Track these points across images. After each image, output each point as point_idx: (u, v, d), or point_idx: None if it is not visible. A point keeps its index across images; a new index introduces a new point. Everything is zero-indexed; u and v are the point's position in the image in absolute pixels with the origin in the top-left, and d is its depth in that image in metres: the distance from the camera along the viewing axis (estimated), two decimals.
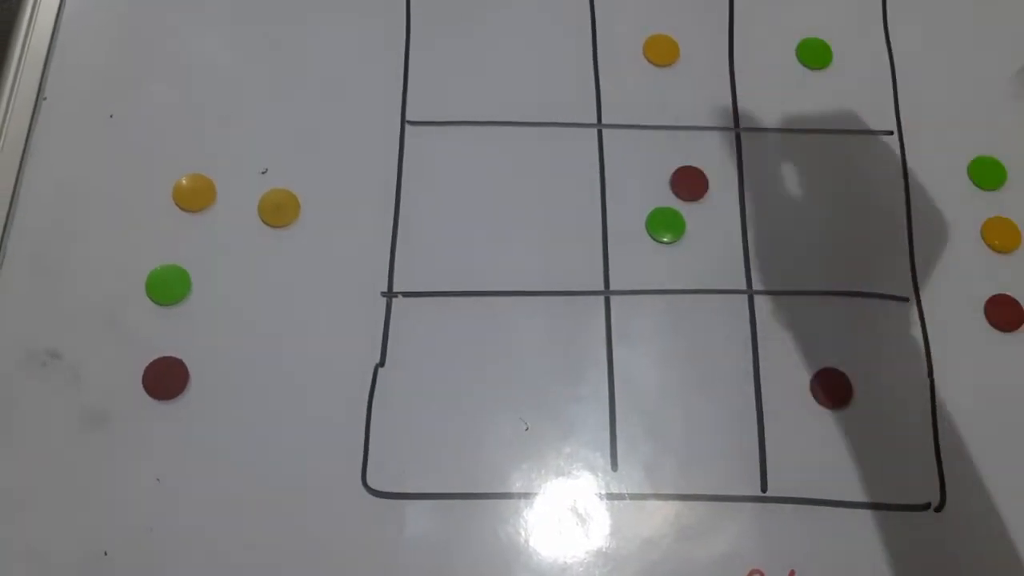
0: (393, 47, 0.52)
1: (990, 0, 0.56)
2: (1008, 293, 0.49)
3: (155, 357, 0.44)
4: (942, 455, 0.45)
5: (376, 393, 0.44)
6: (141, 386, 0.43)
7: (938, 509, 0.44)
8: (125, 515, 0.41)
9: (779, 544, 0.43)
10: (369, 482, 0.43)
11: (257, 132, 0.49)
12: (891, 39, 0.54)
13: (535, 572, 0.42)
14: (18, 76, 0.49)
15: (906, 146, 0.52)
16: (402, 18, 0.53)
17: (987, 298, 0.48)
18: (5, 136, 0.47)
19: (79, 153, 0.48)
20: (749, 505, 0.44)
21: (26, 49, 0.49)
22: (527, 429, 0.44)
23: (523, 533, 0.42)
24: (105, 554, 0.40)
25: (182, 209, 0.47)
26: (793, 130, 0.52)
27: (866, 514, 0.44)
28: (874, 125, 0.52)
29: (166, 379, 0.43)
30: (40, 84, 0.49)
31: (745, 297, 0.48)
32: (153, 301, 0.45)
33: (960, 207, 0.51)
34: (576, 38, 0.53)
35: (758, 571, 0.42)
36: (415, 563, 0.41)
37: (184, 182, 0.47)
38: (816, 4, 0.55)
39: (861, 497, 0.44)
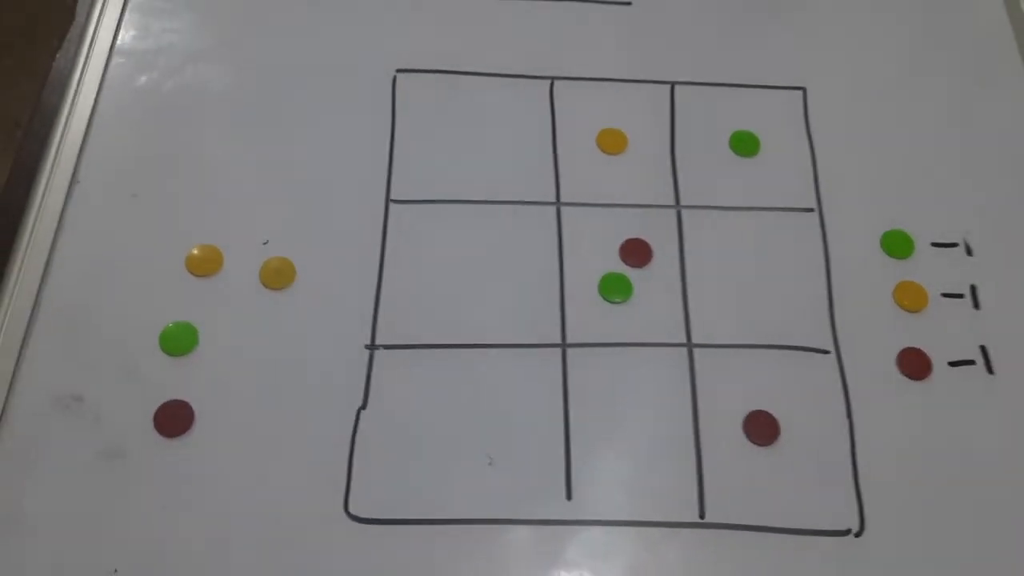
0: (379, 137, 0.60)
1: (897, 96, 0.64)
2: (917, 346, 0.55)
3: (165, 400, 0.50)
4: (861, 487, 0.51)
5: (358, 433, 0.50)
6: (152, 426, 0.49)
7: (858, 535, 0.49)
8: (135, 537, 0.47)
9: (716, 565, 0.48)
10: (351, 510, 0.48)
11: (260, 209, 0.56)
12: (811, 130, 0.63)
13: None
14: (56, 163, 0.56)
15: (825, 221, 0.59)
16: (388, 113, 0.61)
17: (899, 350, 0.55)
18: (43, 212, 0.55)
19: (105, 227, 0.55)
20: (689, 530, 0.49)
21: (64, 140, 0.57)
22: (491, 463, 0.50)
23: (487, 555, 0.48)
24: (115, 571, 0.46)
25: (193, 275, 0.54)
26: (727, 207, 0.59)
27: (794, 539, 0.49)
28: (797, 204, 0.60)
29: (174, 419, 0.49)
30: (75, 169, 0.56)
31: (685, 350, 0.54)
32: (165, 352, 0.51)
33: (874, 273, 0.58)
34: (538, 130, 0.61)
35: None
36: None
37: (196, 252, 0.55)
38: (746, 101, 0.63)
39: (789, 524, 0.49)
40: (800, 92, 0.64)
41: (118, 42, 0.62)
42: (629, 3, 0.67)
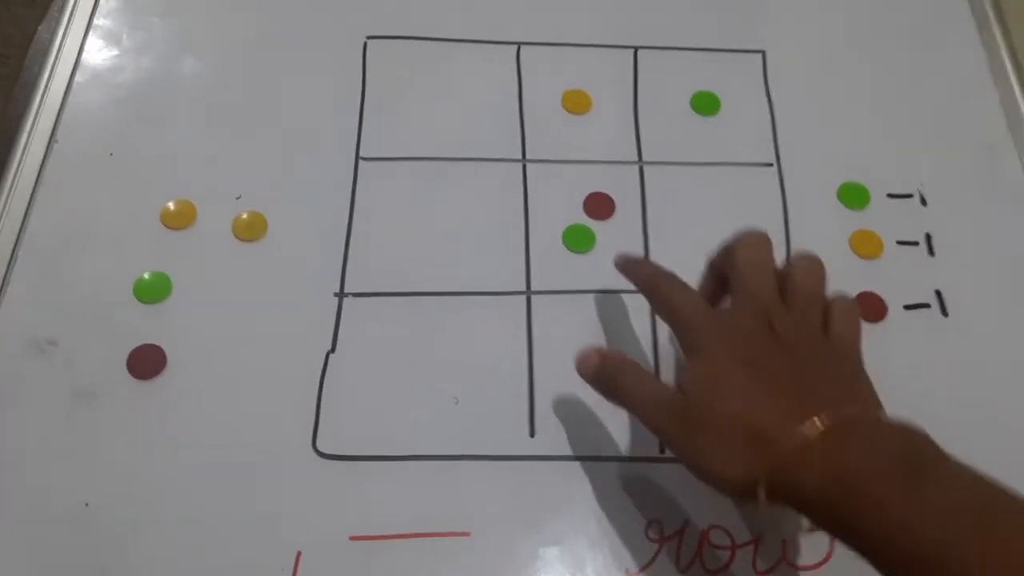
0: (350, 99, 0.62)
1: (852, 57, 0.66)
2: (873, 291, 0.57)
3: (138, 344, 0.51)
4: None
5: (327, 375, 0.52)
6: (125, 368, 0.51)
7: None
8: (108, 475, 0.48)
9: (676, 498, 0.49)
10: (319, 447, 0.49)
11: (233, 166, 0.58)
12: (770, 90, 0.65)
13: (465, 523, 0.48)
14: (35, 123, 0.58)
15: (784, 175, 0.61)
16: (359, 77, 0.63)
17: (855, 294, 0.57)
18: (21, 170, 0.56)
19: (82, 184, 0.57)
20: (649, 465, 0.50)
21: (43, 102, 0.59)
22: (457, 403, 0.51)
23: (454, 490, 0.49)
24: (86, 505, 0.47)
25: (168, 228, 0.56)
26: (687, 163, 0.61)
27: None
28: (756, 159, 0.62)
29: (147, 362, 0.51)
30: (53, 129, 0.58)
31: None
32: (139, 300, 0.53)
33: (831, 223, 0.59)
34: (505, 92, 0.63)
35: (656, 520, 0.49)
36: (359, 515, 0.48)
37: (170, 206, 0.56)
38: (708, 65, 0.65)
39: None
40: (759, 55, 0.66)
41: (97, 12, 0.64)
42: None
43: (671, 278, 0.46)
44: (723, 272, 0.47)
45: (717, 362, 0.41)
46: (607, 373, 0.45)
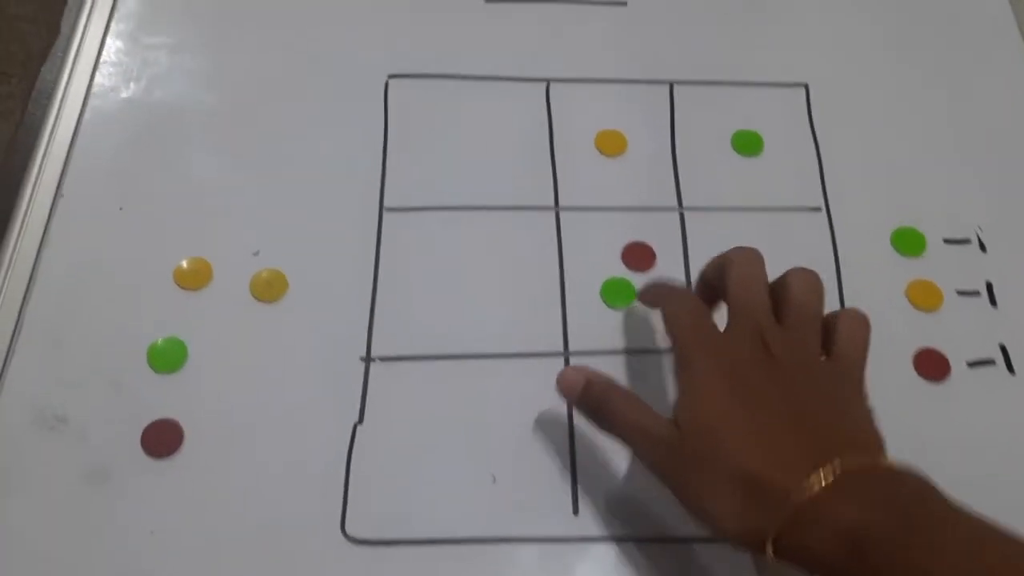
0: (372, 143, 0.58)
1: (903, 89, 0.63)
2: (934, 347, 0.53)
3: (153, 419, 0.48)
4: None
5: (355, 449, 0.48)
6: (139, 446, 0.47)
7: None
8: (121, 563, 0.44)
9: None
10: (348, 530, 0.46)
11: (250, 219, 0.55)
12: (815, 127, 0.61)
13: None
14: (40, 176, 0.55)
15: (833, 220, 0.58)
16: (380, 119, 0.59)
17: (915, 351, 0.53)
18: (26, 226, 0.53)
19: (91, 240, 0.53)
20: (700, 545, 0.47)
21: (48, 153, 0.56)
22: (495, 480, 0.48)
23: (493, 575, 0.45)
24: None
25: (182, 288, 0.52)
26: (731, 208, 0.58)
27: None
28: (803, 203, 0.58)
29: (162, 439, 0.47)
30: (59, 182, 0.55)
31: None
32: (153, 369, 0.50)
33: (885, 272, 0.56)
34: (535, 133, 0.60)
35: None
36: None
37: (184, 264, 0.53)
38: (748, 100, 0.62)
39: None
40: (802, 88, 0.63)
41: (103, 55, 0.61)
42: (624, 3, 0.66)
43: (676, 291, 0.47)
44: (714, 284, 0.46)
45: (713, 394, 0.40)
46: (594, 396, 0.43)
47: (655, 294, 0.48)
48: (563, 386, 0.45)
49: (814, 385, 0.41)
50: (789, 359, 0.41)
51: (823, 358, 0.43)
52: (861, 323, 0.44)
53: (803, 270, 0.45)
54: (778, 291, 0.44)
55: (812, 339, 0.43)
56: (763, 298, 0.43)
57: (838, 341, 0.43)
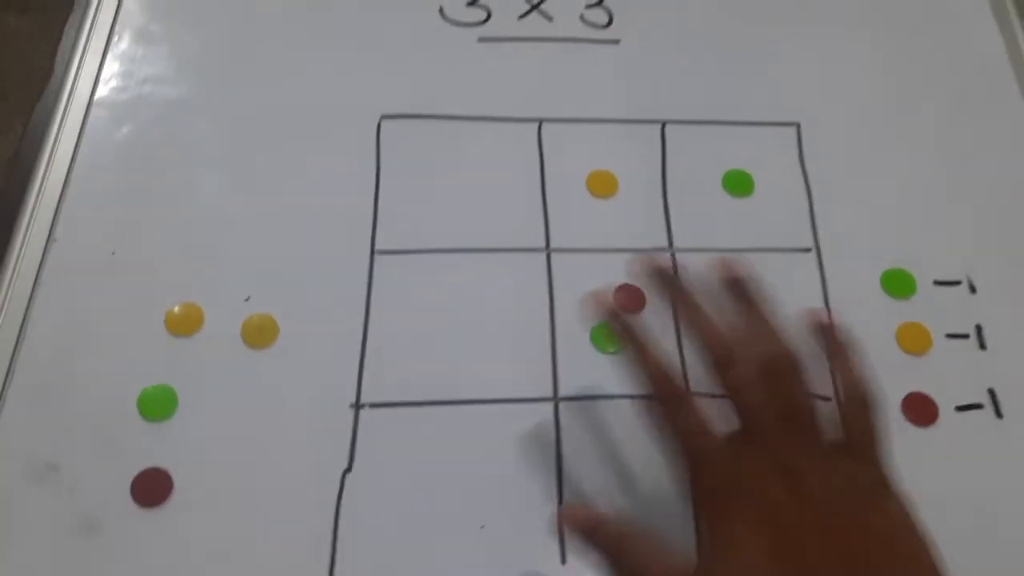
0: (364, 186, 0.58)
1: (893, 129, 0.63)
2: (923, 391, 0.53)
3: (142, 468, 0.48)
4: None
5: (343, 498, 0.48)
6: (130, 495, 0.48)
7: None
8: None
9: None
10: None
11: (241, 265, 0.55)
12: (806, 167, 0.61)
13: None
14: (32, 220, 0.55)
15: (824, 261, 0.58)
16: (372, 160, 0.59)
17: (904, 396, 0.53)
18: (18, 272, 0.53)
19: (83, 286, 0.54)
20: None
21: (41, 196, 0.56)
22: (483, 528, 0.48)
23: None
24: None
25: (173, 334, 0.52)
26: (722, 249, 0.58)
27: None
28: (793, 244, 0.58)
29: (152, 488, 0.48)
30: (51, 226, 0.55)
31: None
32: (143, 418, 0.50)
33: (876, 314, 0.56)
34: (527, 174, 0.60)
35: None
36: None
37: (176, 310, 0.53)
38: (739, 139, 0.62)
39: None
40: (794, 128, 0.63)
41: (97, 94, 0.61)
42: (617, 42, 0.66)
43: (679, 399, 0.42)
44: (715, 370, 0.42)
45: (750, 553, 0.36)
46: (608, 543, 0.39)
47: (634, 341, 0.44)
48: (569, 525, 0.41)
49: (848, 516, 0.37)
50: (818, 493, 0.38)
51: (841, 451, 0.40)
52: (866, 401, 0.42)
53: (780, 355, 0.42)
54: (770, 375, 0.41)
55: (820, 438, 0.40)
56: (770, 411, 0.40)
57: (853, 435, 0.40)
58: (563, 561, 0.48)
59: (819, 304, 0.56)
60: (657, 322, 0.54)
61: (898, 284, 0.57)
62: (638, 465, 0.50)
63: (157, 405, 0.50)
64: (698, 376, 0.52)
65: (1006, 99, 0.65)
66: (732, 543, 0.37)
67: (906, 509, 0.39)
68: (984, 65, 0.66)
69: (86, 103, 0.60)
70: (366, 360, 0.53)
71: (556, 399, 0.52)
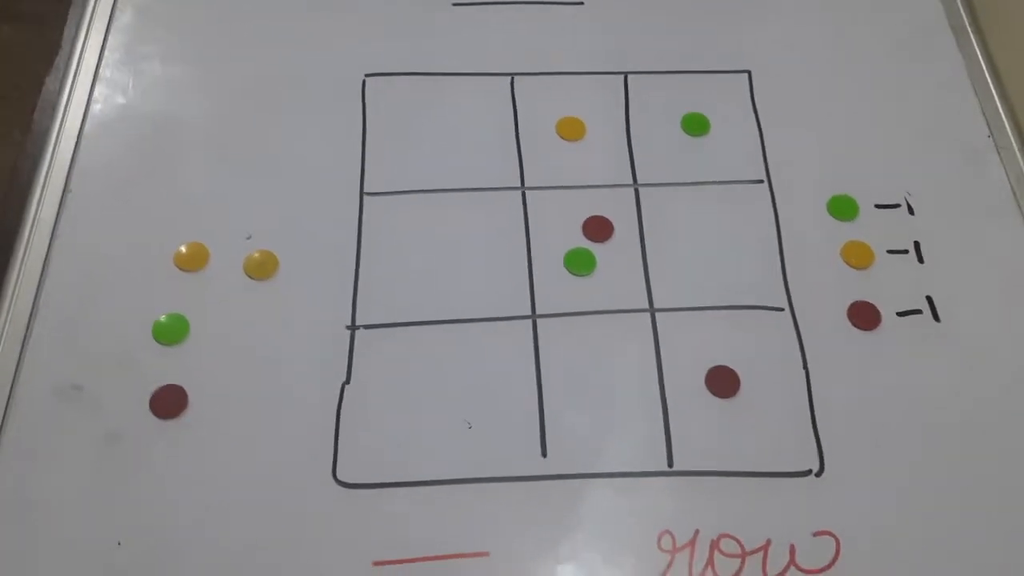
0: (352, 136, 0.64)
1: (836, 72, 0.69)
2: (866, 300, 0.59)
3: (160, 385, 0.53)
4: (819, 432, 0.54)
5: (343, 406, 0.53)
6: (148, 409, 0.52)
7: (818, 474, 0.52)
8: (136, 513, 0.49)
9: (685, 510, 0.51)
10: (339, 476, 0.51)
11: (242, 207, 0.60)
12: (757, 109, 0.67)
13: (483, 544, 0.50)
14: (49, 175, 0.60)
15: (775, 191, 0.63)
16: (359, 114, 0.65)
17: (849, 304, 0.58)
18: (38, 220, 0.58)
19: (97, 231, 0.59)
20: (658, 479, 0.52)
21: (55, 153, 0.61)
22: (470, 427, 0.53)
23: (470, 512, 0.51)
24: (119, 544, 0.48)
25: (182, 270, 0.57)
26: (681, 184, 0.63)
27: (757, 481, 0.52)
28: (747, 177, 0.64)
29: (169, 403, 0.53)
30: (66, 180, 0.60)
31: (648, 315, 0.58)
32: (158, 342, 0.55)
33: (822, 235, 0.61)
34: (501, 122, 0.65)
35: (668, 531, 0.50)
36: (380, 541, 0.49)
37: (183, 249, 0.58)
38: (695, 87, 0.68)
39: (752, 468, 0.52)
40: (746, 75, 0.68)
41: (102, 65, 0.66)
42: (581, 3, 0.71)
43: None
44: None
45: None
46: None
47: None
48: None
49: None
50: None
51: None
52: None
53: None
54: None
55: None
56: None
57: None
58: (544, 455, 0.53)
59: (771, 229, 0.61)
60: (625, 249, 0.60)
61: (843, 208, 0.62)
62: (606, 373, 0.55)
63: (171, 331, 0.55)
64: (663, 299, 0.58)
65: (937, 36, 0.71)
66: None
67: None
68: (921, 11, 0.72)
69: (93, 70, 0.65)
70: (359, 288, 0.58)
71: (534, 316, 0.57)
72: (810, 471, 0.53)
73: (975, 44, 0.70)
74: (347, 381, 0.54)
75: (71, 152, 0.61)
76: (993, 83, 0.68)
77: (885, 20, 0.71)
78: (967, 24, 0.71)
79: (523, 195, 0.62)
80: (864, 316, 0.58)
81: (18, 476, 0.50)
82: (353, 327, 0.56)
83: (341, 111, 0.65)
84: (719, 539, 0.50)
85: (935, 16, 0.72)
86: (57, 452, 0.51)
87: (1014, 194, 0.63)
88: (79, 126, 0.63)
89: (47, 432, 0.52)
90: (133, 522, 0.49)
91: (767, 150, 0.65)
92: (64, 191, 0.60)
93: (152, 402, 0.53)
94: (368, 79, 0.67)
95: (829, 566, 0.50)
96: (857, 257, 0.60)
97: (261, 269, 0.58)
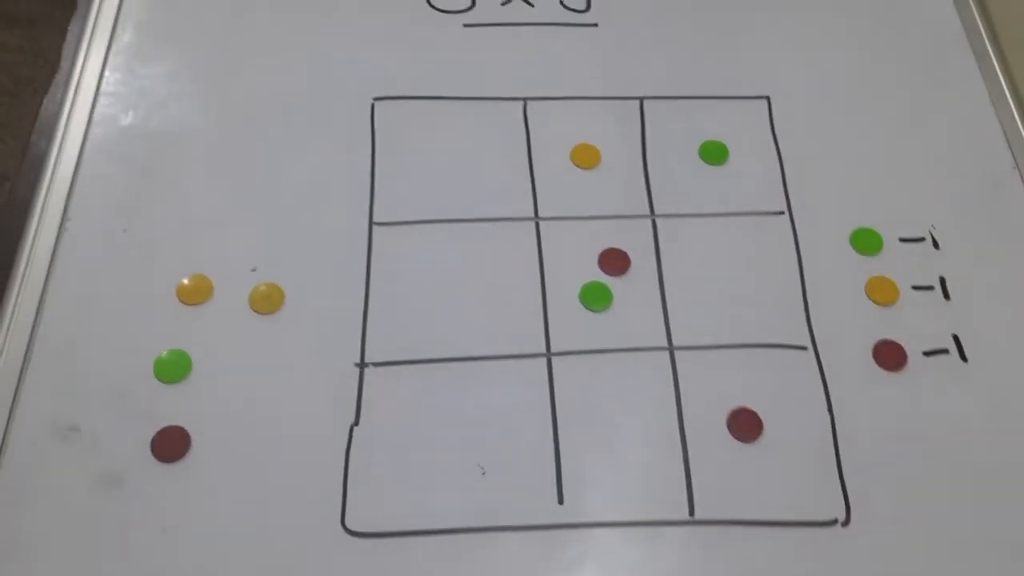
0: (360, 163, 0.62)
1: (858, 99, 0.67)
2: (892, 339, 0.57)
3: (161, 426, 0.51)
4: (844, 477, 0.52)
5: (352, 449, 0.51)
6: (149, 452, 0.50)
7: (844, 524, 0.51)
8: (135, 562, 0.47)
9: (707, 561, 0.49)
10: (347, 524, 0.49)
11: (248, 237, 0.58)
12: (777, 136, 0.65)
13: None
14: (46, 202, 0.58)
15: (796, 223, 0.61)
16: (367, 140, 0.63)
17: (874, 343, 0.57)
18: (35, 250, 0.56)
19: (97, 261, 0.56)
20: (679, 528, 0.50)
21: (53, 180, 0.59)
22: (484, 473, 0.51)
23: (484, 562, 0.49)
24: None
25: (184, 304, 0.55)
26: (700, 215, 0.61)
27: (782, 531, 0.50)
28: (767, 208, 0.62)
29: (171, 445, 0.51)
30: (65, 208, 0.58)
31: (667, 353, 0.56)
32: (159, 380, 0.53)
33: (845, 270, 0.60)
34: (514, 149, 0.63)
35: None
36: None
37: (186, 281, 0.56)
38: (713, 112, 0.66)
39: (777, 517, 0.51)
40: (764, 101, 0.67)
41: (103, 86, 0.64)
42: (596, 25, 0.70)
43: None
44: None
45: None
46: None
47: None
48: None
49: None
50: None
51: None
52: None
53: None
54: None
55: None
56: None
57: None
58: (560, 502, 0.51)
59: (792, 263, 0.60)
60: (642, 283, 0.58)
61: (866, 242, 0.61)
62: (624, 415, 0.53)
63: (172, 368, 0.53)
64: (682, 336, 0.56)
65: (959, 61, 0.69)
66: None
67: None
68: (941, 33, 0.70)
69: (93, 93, 0.63)
70: (368, 323, 0.56)
71: (548, 354, 0.55)
72: (836, 520, 0.51)
73: (998, 70, 0.68)
74: (356, 422, 0.52)
75: (70, 178, 0.59)
76: (1017, 110, 0.66)
77: (906, 46, 0.70)
78: (990, 50, 0.69)
79: (537, 225, 0.60)
80: (890, 356, 0.56)
81: (12, 519, 0.48)
82: (362, 364, 0.54)
83: (349, 136, 0.63)
84: None
85: (957, 42, 0.70)
86: (53, 495, 0.49)
87: None
88: (78, 150, 0.61)
89: (42, 474, 0.50)
90: (131, 571, 0.47)
91: (787, 180, 0.63)
92: (63, 219, 0.58)
93: (153, 444, 0.51)
94: (377, 103, 0.65)
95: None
96: (882, 293, 0.59)
97: (267, 303, 0.56)
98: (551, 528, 0.50)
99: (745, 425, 0.53)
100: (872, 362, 0.56)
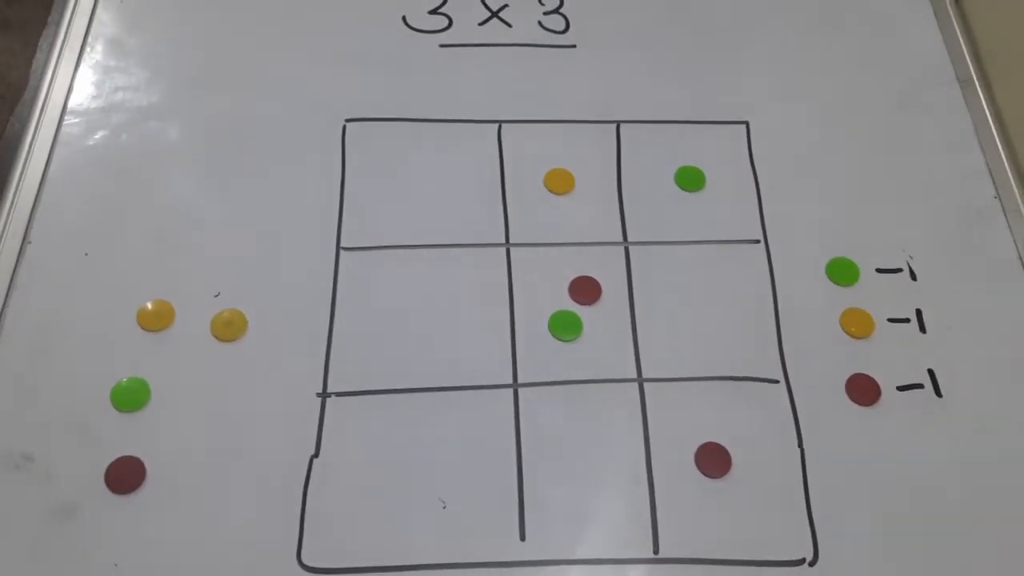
0: (330, 185, 0.61)
1: (837, 126, 0.66)
2: (866, 372, 0.56)
3: (116, 457, 0.50)
4: (813, 515, 0.51)
5: (310, 481, 0.50)
6: (104, 483, 0.49)
7: (812, 564, 0.50)
8: None
9: None
10: (304, 560, 0.48)
11: (211, 261, 0.57)
12: (755, 163, 0.64)
13: None
14: (7, 223, 0.57)
15: (771, 252, 0.60)
16: (338, 162, 0.62)
17: (848, 377, 0.56)
18: None
19: (57, 285, 0.55)
20: (643, 566, 0.49)
21: (16, 200, 0.58)
22: (444, 507, 0.50)
23: None
24: None
25: (145, 330, 0.54)
26: (674, 242, 0.60)
27: (748, 570, 0.49)
28: (743, 236, 0.61)
29: (125, 476, 0.49)
30: (26, 229, 0.57)
31: (636, 385, 0.55)
32: (116, 409, 0.52)
33: (820, 301, 0.58)
34: (487, 173, 0.62)
35: None
36: None
37: (148, 306, 0.55)
38: (690, 137, 0.65)
39: (743, 555, 0.50)
40: (743, 126, 0.66)
41: (70, 102, 0.63)
42: (574, 46, 0.69)
43: None
44: None
45: None
46: None
47: None
48: None
49: None
50: None
51: None
52: None
53: None
54: None
55: None
56: None
57: None
58: (522, 538, 0.50)
59: (767, 293, 0.59)
60: (613, 312, 0.57)
61: (842, 272, 0.60)
62: (590, 448, 0.52)
63: (130, 396, 0.52)
64: (651, 368, 0.55)
65: (944, 97, 0.68)
66: None
67: None
68: (923, 63, 0.69)
69: (60, 110, 0.62)
70: (332, 351, 0.55)
71: (515, 385, 0.54)
72: (803, 560, 0.50)
73: (982, 98, 0.67)
74: (315, 454, 0.51)
75: (32, 200, 0.58)
76: (1000, 140, 0.65)
77: (889, 72, 0.69)
78: (974, 77, 0.68)
79: (507, 252, 0.59)
80: (863, 390, 0.55)
81: None
82: (324, 394, 0.53)
83: (319, 158, 0.62)
84: None
85: (941, 69, 0.69)
86: (3, 526, 0.48)
87: (1021, 260, 0.60)
88: (42, 171, 0.60)
89: None
90: None
91: (764, 208, 0.62)
92: (23, 242, 0.57)
93: (107, 475, 0.49)
94: (348, 124, 0.64)
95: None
96: (857, 326, 0.58)
97: (229, 329, 0.55)
98: (512, 565, 0.49)
99: (713, 460, 0.52)
100: (845, 396, 0.55)
